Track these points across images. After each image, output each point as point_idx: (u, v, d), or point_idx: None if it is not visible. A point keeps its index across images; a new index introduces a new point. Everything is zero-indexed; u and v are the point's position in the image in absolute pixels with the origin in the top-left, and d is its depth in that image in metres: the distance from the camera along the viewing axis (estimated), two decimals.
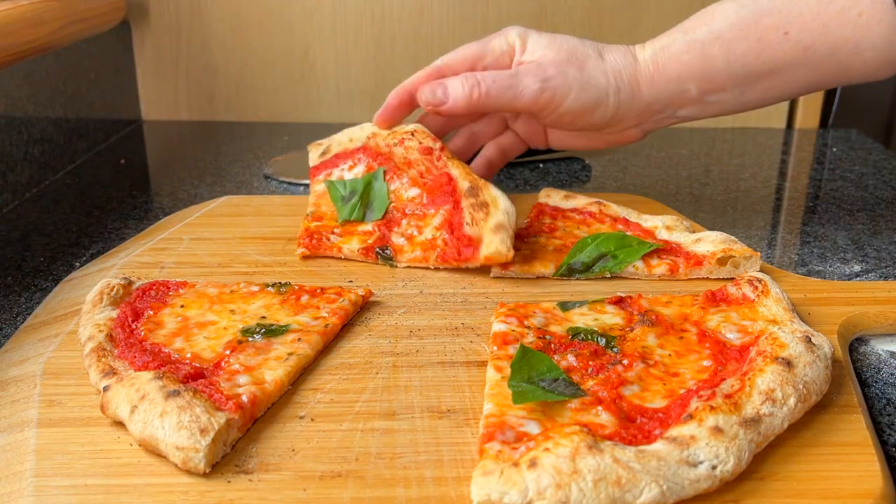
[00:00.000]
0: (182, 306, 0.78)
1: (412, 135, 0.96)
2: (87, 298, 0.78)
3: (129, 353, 0.68)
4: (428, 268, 0.91)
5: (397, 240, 0.93)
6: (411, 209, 0.95)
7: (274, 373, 0.67)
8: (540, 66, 0.94)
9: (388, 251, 0.91)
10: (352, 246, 0.92)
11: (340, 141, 1.04)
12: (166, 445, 0.58)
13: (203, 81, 1.63)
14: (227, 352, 0.69)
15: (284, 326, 0.74)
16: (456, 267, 0.89)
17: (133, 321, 0.74)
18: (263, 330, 0.73)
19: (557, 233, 0.97)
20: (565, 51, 0.95)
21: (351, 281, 0.88)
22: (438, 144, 0.94)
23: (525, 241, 0.94)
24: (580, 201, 1.02)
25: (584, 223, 0.99)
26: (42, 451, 0.60)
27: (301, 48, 1.60)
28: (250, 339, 0.72)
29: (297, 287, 0.82)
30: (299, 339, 0.72)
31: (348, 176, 1.01)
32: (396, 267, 0.91)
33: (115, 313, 0.75)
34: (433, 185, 0.94)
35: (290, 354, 0.70)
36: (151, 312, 0.76)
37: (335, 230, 0.95)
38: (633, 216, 0.97)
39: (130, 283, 0.81)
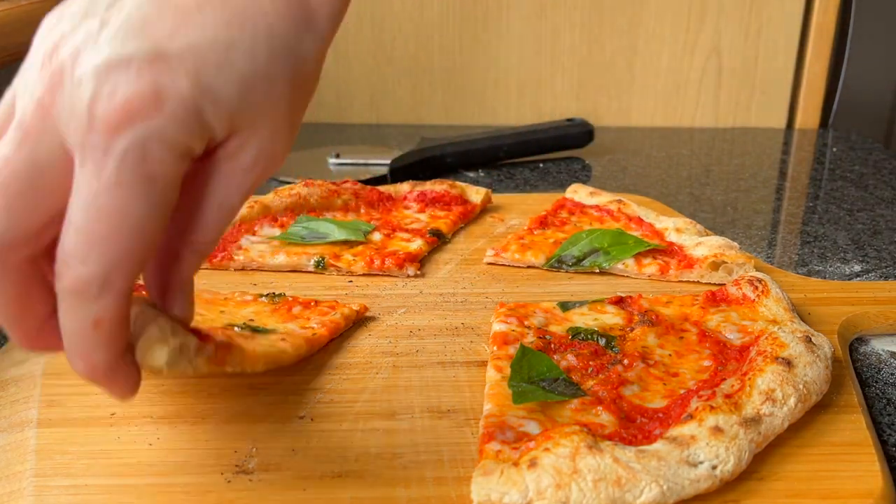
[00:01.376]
0: None
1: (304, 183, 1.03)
2: None
3: None
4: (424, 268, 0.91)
5: (416, 226, 1.00)
6: (379, 216, 1.03)
7: (256, 348, 0.61)
8: None
9: (438, 231, 0.98)
10: (416, 244, 0.94)
11: None
12: (139, 349, 0.49)
13: None
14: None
15: (270, 329, 0.73)
16: (471, 219, 1.05)
17: None
18: (249, 328, 0.72)
19: (567, 227, 0.98)
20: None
21: (351, 281, 0.88)
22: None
23: (532, 232, 0.96)
24: (603, 199, 1.03)
25: (599, 220, 1.00)
26: (42, 451, 0.60)
27: None
28: (235, 328, 0.71)
29: (290, 298, 0.80)
30: (283, 339, 0.70)
31: (277, 232, 0.96)
32: (449, 241, 0.98)
33: None
34: (368, 200, 1.05)
35: (271, 346, 0.67)
36: None
37: (377, 250, 0.93)
38: (649, 216, 0.98)
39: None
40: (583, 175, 1.34)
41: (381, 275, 0.90)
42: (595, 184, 1.26)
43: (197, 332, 0.58)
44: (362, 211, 1.04)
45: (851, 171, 1.35)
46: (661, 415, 0.61)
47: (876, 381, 0.73)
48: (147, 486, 0.56)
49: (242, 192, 0.48)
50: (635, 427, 0.60)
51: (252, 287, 0.85)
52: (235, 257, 0.91)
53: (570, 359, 0.69)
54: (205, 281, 0.82)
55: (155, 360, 0.50)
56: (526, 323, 0.75)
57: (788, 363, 0.63)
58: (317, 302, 0.80)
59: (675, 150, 1.48)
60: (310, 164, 1.37)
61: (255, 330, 0.72)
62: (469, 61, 1.60)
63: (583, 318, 0.76)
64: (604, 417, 0.60)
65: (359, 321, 0.79)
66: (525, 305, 0.78)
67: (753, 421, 0.58)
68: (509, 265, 0.92)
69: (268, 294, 0.81)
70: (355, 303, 0.81)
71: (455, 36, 1.58)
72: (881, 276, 0.94)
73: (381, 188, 1.08)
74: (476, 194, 1.08)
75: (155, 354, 0.49)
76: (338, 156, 1.37)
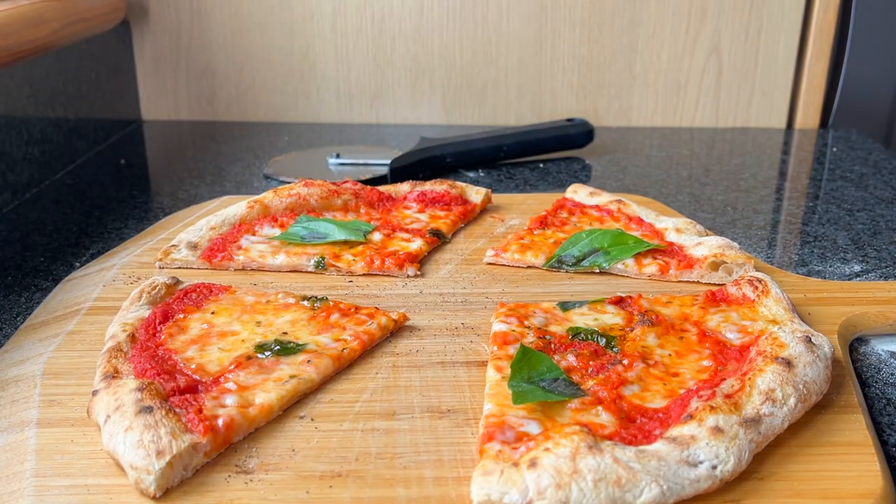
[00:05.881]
0: (213, 313, 0.77)
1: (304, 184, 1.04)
2: (130, 294, 0.78)
3: (138, 357, 0.67)
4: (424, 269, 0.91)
5: (416, 226, 1.00)
6: (379, 216, 1.03)
7: (266, 396, 0.64)
8: None
9: (438, 231, 0.99)
10: (416, 244, 0.94)
11: (201, 235, 0.94)
12: (124, 462, 0.56)
13: (203, 81, 1.63)
14: (232, 367, 0.67)
15: (300, 345, 0.71)
16: (471, 219, 1.06)
17: (160, 323, 0.74)
18: (277, 347, 0.70)
19: (567, 227, 0.98)
20: None
21: (351, 281, 0.88)
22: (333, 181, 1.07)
23: (532, 232, 0.96)
24: (603, 199, 1.03)
25: (599, 220, 1.00)
26: (42, 451, 0.60)
27: (301, 48, 1.60)
28: (260, 355, 0.69)
29: (331, 303, 0.78)
30: (309, 360, 0.69)
31: (277, 233, 0.96)
32: (449, 241, 0.99)
33: (147, 312, 0.75)
34: (368, 200, 1.05)
35: (291, 377, 0.66)
36: (182, 316, 0.75)
37: (378, 250, 0.92)
38: (649, 216, 0.98)
39: (177, 283, 0.80)
40: (583, 175, 1.34)
41: (381, 275, 0.90)
42: (595, 184, 1.26)
43: (197, 413, 0.59)
44: (362, 211, 1.04)
45: (851, 171, 1.35)
46: (661, 415, 0.61)
47: (876, 381, 0.73)
48: None
49: None
50: (635, 427, 0.60)
51: (252, 286, 0.85)
52: (235, 257, 0.91)
53: (571, 359, 0.69)
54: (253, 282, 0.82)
55: (150, 487, 0.55)
56: (526, 323, 0.75)
57: (788, 363, 0.63)
58: (357, 308, 0.78)
59: (676, 150, 1.48)
60: (310, 164, 1.37)
61: (284, 349, 0.70)
62: (469, 61, 1.60)
63: (583, 318, 0.76)
64: (604, 417, 0.60)
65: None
66: (525, 305, 0.78)
67: (753, 421, 0.58)
68: (509, 265, 0.92)
69: (310, 297, 0.79)
70: (394, 311, 0.78)
71: (455, 36, 1.58)
72: (881, 276, 0.94)
73: (381, 188, 1.08)
74: (476, 194, 1.08)
75: (148, 480, 0.55)
76: (338, 156, 1.37)
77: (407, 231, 0.98)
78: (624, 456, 0.54)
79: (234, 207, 0.99)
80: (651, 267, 0.88)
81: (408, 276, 0.89)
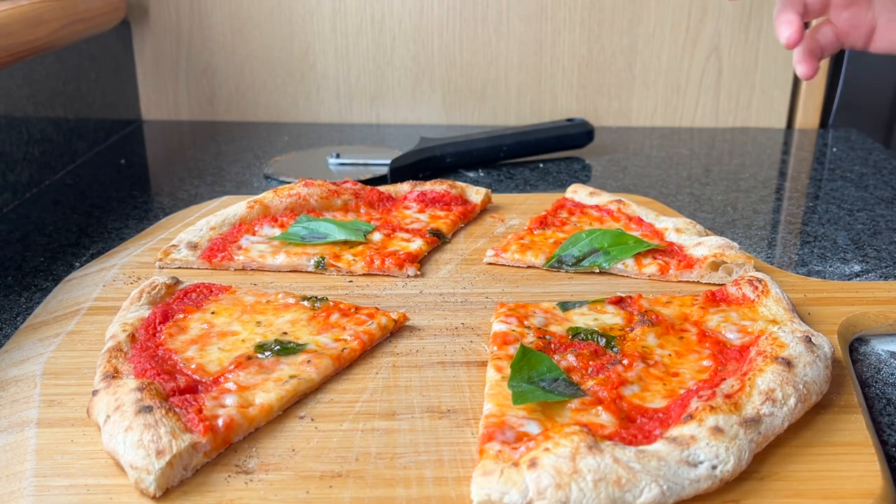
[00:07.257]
0: (213, 312, 0.77)
1: (304, 184, 1.04)
2: (130, 294, 0.78)
3: (138, 357, 0.67)
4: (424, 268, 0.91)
5: (416, 226, 1.00)
6: (379, 216, 1.03)
7: (266, 396, 0.64)
8: None
9: (438, 231, 0.99)
10: (416, 244, 0.94)
11: (201, 235, 0.94)
12: (124, 462, 0.56)
13: (203, 81, 1.63)
14: (232, 367, 0.67)
15: (300, 345, 0.71)
16: (471, 219, 1.06)
17: (160, 323, 0.74)
18: (278, 347, 0.70)
19: (567, 227, 0.98)
20: None
21: (351, 281, 0.88)
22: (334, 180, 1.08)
23: (532, 232, 0.96)
24: (603, 199, 1.04)
25: (599, 220, 1.00)
26: (42, 451, 0.60)
27: (301, 48, 1.60)
28: (260, 355, 0.69)
29: (331, 304, 0.78)
30: (309, 361, 0.69)
31: (277, 232, 0.96)
32: (449, 241, 0.99)
33: (147, 312, 0.75)
34: (368, 200, 1.05)
35: (291, 377, 0.66)
36: (182, 316, 0.75)
37: (376, 250, 0.92)
38: (649, 216, 0.98)
39: (177, 283, 0.80)
40: (583, 175, 1.34)
41: (381, 275, 0.90)
42: (595, 184, 1.26)
43: (197, 412, 0.59)
44: (362, 211, 1.04)
45: (851, 171, 1.35)
46: (661, 415, 0.61)
47: (876, 382, 0.73)
48: None
49: None
50: (635, 427, 0.60)
51: (252, 286, 0.85)
52: (235, 257, 0.91)
53: (570, 359, 0.69)
54: (253, 282, 0.83)
55: (150, 487, 0.55)
56: (526, 323, 0.75)
57: (788, 363, 0.63)
58: (357, 308, 0.78)
59: (675, 150, 1.48)
60: (310, 164, 1.37)
61: (284, 349, 0.70)
62: (469, 61, 1.60)
63: (583, 318, 0.76)
64: (604, 417, 0.61)
65: None
66: (525, 305, 0.78)
67: (753, 421, 0.58)
68: (509, 265, 0.92)
69: (310, 297, 0.79)
70: (394, 311, 0.78)
71: (455, 36, 1.58)
72: (881, 276, 0.94)
73: (381, 188, 1.08)
74: (476, 194, 1.08)
75: (148, 480, 0.55)
76: (338, 156, 1.37)
77: (407, 231, 0.98)
78: (624, 456, 0.54)
79: (234, 207, 0.99)
80: (651, 267, 0.88)
81: (408, 276, 0.89)
